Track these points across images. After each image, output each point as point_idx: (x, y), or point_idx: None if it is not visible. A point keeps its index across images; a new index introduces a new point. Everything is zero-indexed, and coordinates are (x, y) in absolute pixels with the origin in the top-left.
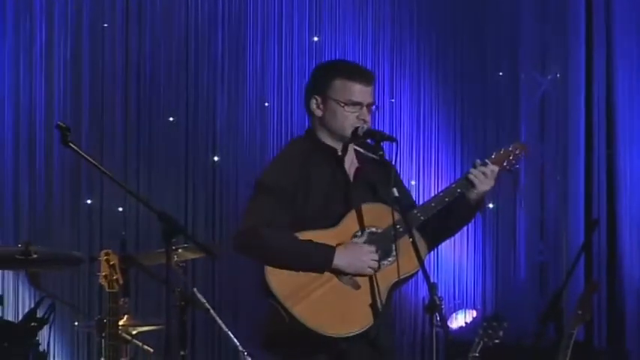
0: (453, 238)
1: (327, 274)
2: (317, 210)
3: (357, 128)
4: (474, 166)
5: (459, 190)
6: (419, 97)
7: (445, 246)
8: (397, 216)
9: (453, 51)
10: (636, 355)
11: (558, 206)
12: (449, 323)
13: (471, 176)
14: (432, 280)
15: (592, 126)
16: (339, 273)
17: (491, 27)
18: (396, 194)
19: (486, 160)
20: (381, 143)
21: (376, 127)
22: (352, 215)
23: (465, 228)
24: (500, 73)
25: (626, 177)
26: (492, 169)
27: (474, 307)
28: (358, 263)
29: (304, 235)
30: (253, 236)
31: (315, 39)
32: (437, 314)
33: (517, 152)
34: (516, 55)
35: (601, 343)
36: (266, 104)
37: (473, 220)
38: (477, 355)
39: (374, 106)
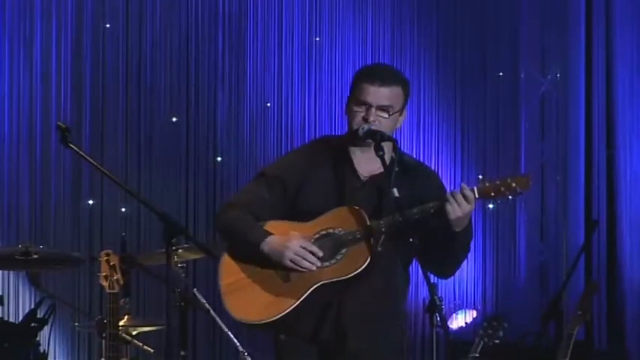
0: None
1: (265, 267)
2: (315, 207)
3: (358, 128)
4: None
5: (432, 211)
6: (419, 97)
7: None
8: (367, 222)
9: (453, 51)
10: (636, 355)
11: (558, 207)
12: (449, 323)
13: (447, 196)
14: (431, 281)
15: (592, 126)
16: (274, 264)
17: (491, 27)
18: (396, 194)
19: (474, 188)
20: (381, 143)
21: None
22: (326, 215)
23: None
24: (501, 74)
25: (626, 177)
26: (466, 193)
27: (474, 308)
28: (278, 254)
29: (269, 224)
30: (220, 210)
31: (316, 39)
32: (437, 314)
33: (516, 189)
34: (516, 56)
35: (601, 343)
36: (267, 104)
37: (465, 251)
38: (478, 355)
39: (389, 109)
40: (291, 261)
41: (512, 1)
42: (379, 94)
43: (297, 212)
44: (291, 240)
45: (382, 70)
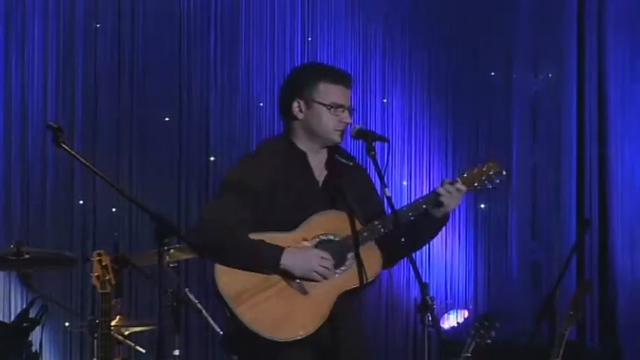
0: (444, 239)
1: (275, 277)
2: (285, 213)
3: (345, 130)
4: (442, 184)
5: (424, 207)
6: (411, 98)
7: (437, 246)
8: (359, 225)
9: (446, 51)
10: (628, 355)
11: (550, 206)
12: (441, 323)
13: (441, 191)
14: (423, 280)
15: (584, 126)
16: (288, 277)
17: (484, 27)
18: (388, 194)
19: (457, 179)
20: (373, 143)
21: (368, 127)
22: (310, 221)
23: (457, 228)
24: (493, 74)
25: (618, 176)
26: (459, 187)
27: (466, 307)
28: (305, 266)
29: (258, 237)
30: (209, 230)
31: (308, 39)
32: (429, 314)
33: (491, 173)
34: (509, 56)
35: (593, 343)
36: (260, 104)
37: (435, 237)
38: (470, 355)
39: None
40: (317, 273)
41: (505, 1)
42: (347, 95)
43: (265, 221)
44: (310, 252)
45: (344, 71)
